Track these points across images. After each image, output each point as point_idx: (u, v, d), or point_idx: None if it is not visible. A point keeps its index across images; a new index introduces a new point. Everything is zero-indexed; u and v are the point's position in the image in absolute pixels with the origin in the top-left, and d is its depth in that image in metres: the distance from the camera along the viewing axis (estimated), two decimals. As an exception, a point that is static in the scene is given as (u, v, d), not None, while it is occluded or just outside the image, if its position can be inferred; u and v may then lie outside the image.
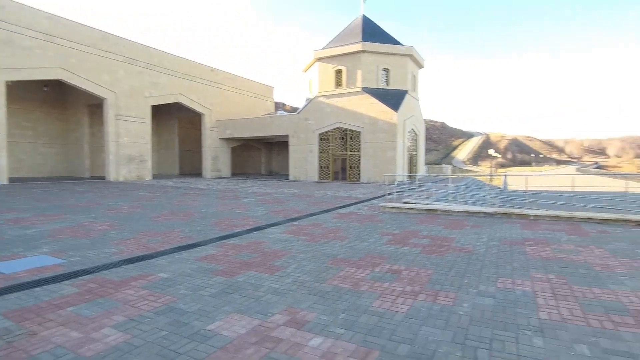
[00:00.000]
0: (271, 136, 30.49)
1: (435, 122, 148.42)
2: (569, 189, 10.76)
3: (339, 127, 25.06)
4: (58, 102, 28.87)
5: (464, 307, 3.48)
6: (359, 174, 24.60)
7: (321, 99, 25.69)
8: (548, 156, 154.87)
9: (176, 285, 4.09)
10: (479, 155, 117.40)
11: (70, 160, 29.43)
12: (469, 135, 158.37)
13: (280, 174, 36.82)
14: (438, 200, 13.29)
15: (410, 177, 23.85)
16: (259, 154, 38.60)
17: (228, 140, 32.52)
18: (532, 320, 3.18)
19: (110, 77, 23.95)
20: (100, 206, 11.18)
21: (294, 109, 55.42)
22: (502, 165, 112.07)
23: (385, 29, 28.20)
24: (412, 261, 5.13)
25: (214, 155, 31.65)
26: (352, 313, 3.35)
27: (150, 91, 26.55)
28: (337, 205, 11.66)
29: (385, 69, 25.11)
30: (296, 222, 8.44)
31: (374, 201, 13.01)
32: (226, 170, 33.05)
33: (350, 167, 25.01)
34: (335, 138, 25.37)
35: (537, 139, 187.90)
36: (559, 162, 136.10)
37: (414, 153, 27.72)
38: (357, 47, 24.35)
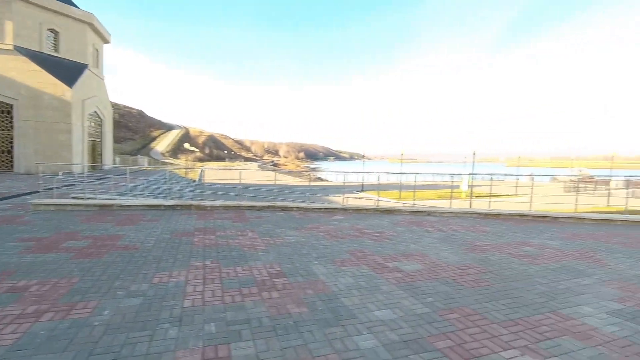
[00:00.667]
0: None
1: (132, 108, 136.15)
2: (246, 182, 12.65)
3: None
4: None
5: (103, 315, 3.05)
6: (11, 162, 18.33)
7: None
8: (239, 154, 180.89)
9: None
10: (179, 149, 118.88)
11: None
12: (169, 127, 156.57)
13: None
14: (122, 194, 12.00)
15: (93, 167, 20.39)
16: None
17: None
18: (175, 311, 3.20)
19: None
20: None
21: None
22: (201, 160, 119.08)
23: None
24: (53, 271, 4.11)
25: None
26: None
27: None
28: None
29: (53, 31, 20.05)
30: None
31: (28, 197, 9.96)
32: None
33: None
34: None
35: (230, 138, 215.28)
36: (247, 159, 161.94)
37: (98, 140, 23.95)
38: (10, -13, 18.03)
